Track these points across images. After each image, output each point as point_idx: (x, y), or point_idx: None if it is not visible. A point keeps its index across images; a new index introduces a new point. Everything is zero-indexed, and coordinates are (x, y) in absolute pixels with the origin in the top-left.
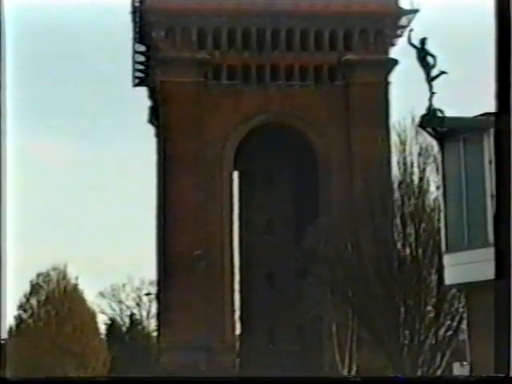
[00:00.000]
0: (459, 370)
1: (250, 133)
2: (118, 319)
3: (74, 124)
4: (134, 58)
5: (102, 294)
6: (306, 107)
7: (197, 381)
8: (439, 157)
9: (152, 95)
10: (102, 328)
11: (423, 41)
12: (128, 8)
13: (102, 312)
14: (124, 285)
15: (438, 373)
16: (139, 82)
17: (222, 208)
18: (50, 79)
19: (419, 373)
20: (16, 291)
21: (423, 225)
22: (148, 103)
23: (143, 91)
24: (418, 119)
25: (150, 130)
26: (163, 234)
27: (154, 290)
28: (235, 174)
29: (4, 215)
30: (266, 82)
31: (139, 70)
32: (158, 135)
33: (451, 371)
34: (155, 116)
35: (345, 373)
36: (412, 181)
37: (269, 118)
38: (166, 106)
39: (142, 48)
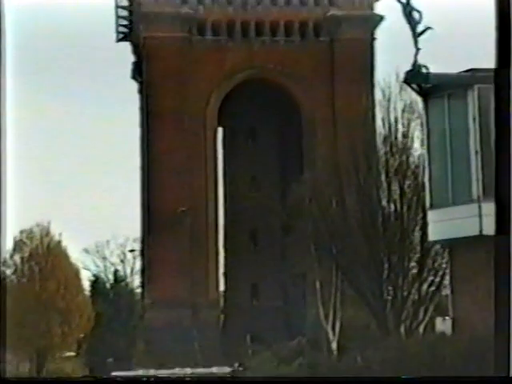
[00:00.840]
0: (442, 324)
1: (234, 89)
2: (102, 276)
3: (56, 80)
4: (117, 12)
5: (85, 251)
6: (290, 63)
7: (197, 381)
8: (424, 113)
9: (135, 50)
10: (86, 284)
11: None
12: None
13: (86, 268)
14: (108, 241)
15: (421, 328)
16: (123, 37)
17: (205, 165)
18: (30, 32)
19: (402, 328)
20: None
21: (407, 181)
22: (132, 58)
23: (127, 46)
24: (402, 75)
25: (134, 86)
26: (147, 190)
27: (138, 246)
28: (219, 131)
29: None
30: (251, 37)
31: (122, 25)
32: (141, 91)
33: (434, 326)
34: (138, 72)
35: (328, 328)
36: (396, 137)
37: (253, 74)
38: (150, 62)
39: (125, 2)
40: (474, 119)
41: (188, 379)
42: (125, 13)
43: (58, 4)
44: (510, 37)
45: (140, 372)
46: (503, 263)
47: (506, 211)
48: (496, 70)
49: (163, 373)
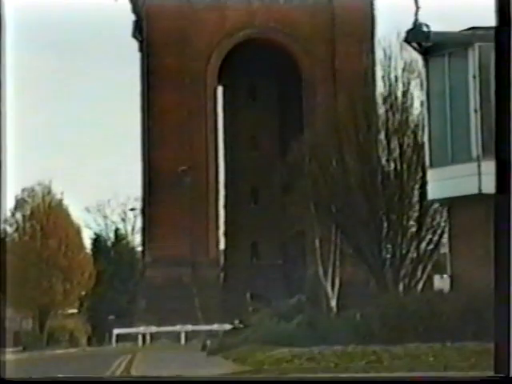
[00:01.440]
0: (440, 282)
1: (234, 48)
2: (104, 234)
3: (56, 39)
4: None
5: (87, 210)
6: (290, 22)
7: (197, 381)
8: (424, 72)
9: (135, 9)
10: (88, 243)
11: None
12: None
13: (88, 227)
14: (109, 200)
15: (419, 285)
16: None
17: (206, 124)
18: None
19: (401, 286)
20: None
21: (407, 140)
22: (132, 17)
23: (127, 5)
24: (403, 34)
25: (134, 45)
26: (148, 149)
27: (139, 205)
28: (219, 90)
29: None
30: None
31: None
32: (141, 50)
33: (432, 284)
34: (139, 30)
35: (328, 286)
36: (396, 96)
37: (253, 33)
38: (150, 21)
39: None
40: (475, 77)
41: (188, 379)
42: None
43: None
44: None
45: (141, 329)
46: (503, 222)
47: (506, 170)
48: (496, 28)
49: (164, 329)
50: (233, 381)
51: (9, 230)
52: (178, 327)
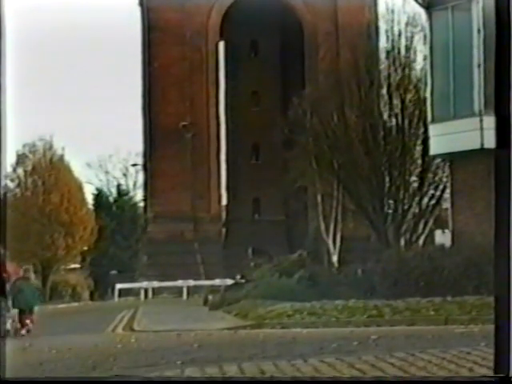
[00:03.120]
0: (441, 237)
1: (235, 2)
2: (105, 190)
3: None
4: None
5: (88, 165)
6: None
7: (198, 381)
8: (427, 26)
9: None
10: (89, 198)
11: None
12: None
13: (89, 182)
14: (110, 156)
15: (421, 240)
16: None
17: (207, 79)
18: None
19: (402, 241)
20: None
21: (409, 95)
22: None
23: None
24: None
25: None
26: (148, 105)
27: (140, 161)
28: (221, 44)
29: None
30: None
31: None
32: (141, 4)
33: (433, 239)
34: None
35: (329, 241)
36: (399, 51)
37: None
38: None
39: None
40: (479, 31)
41: (189, 379)
42: None
43: None
44: None
45: (144, 284)
46: (503, 177)
47: (506, 124)
48: None
49: (166, 284)
50: (233, 381)
51: (10, 185)
52: (179, 282)
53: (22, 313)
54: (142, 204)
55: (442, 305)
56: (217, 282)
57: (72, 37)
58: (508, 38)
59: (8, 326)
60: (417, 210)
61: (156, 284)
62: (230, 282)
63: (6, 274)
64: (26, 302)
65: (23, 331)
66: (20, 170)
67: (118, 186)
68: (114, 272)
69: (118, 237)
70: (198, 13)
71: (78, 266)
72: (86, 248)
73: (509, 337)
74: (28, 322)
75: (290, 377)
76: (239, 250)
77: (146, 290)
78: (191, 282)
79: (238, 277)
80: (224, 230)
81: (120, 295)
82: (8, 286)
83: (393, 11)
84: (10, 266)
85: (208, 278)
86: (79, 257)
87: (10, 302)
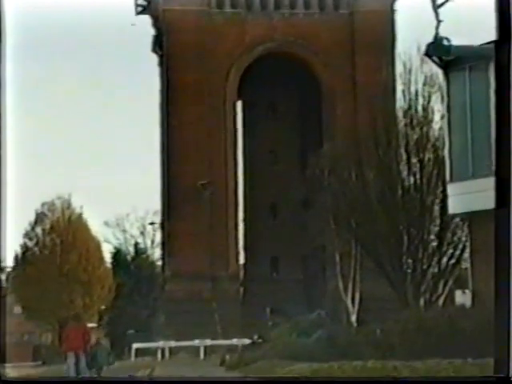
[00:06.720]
0: (461, 297)
1: (254, 62)
2: (123, 248)
3: (76, 52)
4: None
5: (106, 224)
6: (310, 36)
7: (198, 381)
8: (444, 86)
9: (155, 24)
10: (107, 257)
11: None
12: None
13: (107, 241)
14: (128, 214)
15: (441, 300)
16: (142, 10)
17: (225, 138)
18: (49, 10)
19: (422, 301)
20: (21, 220)
21: (427, 154)
22: (152, 32)
23: (147, 19)
24: (423, 48)
25: (154, 59)
26: (167, 163)
27: (158, 219)
28: (239, 104)
29: (4, 146)
30: (270, 10)
31: None
32: (161, 64)
33: (453, 299)
34: (159, 45)
35: (348, 301)
36: (417, 110)
37: (273, 47)
38: (169, 35)
39: None
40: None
41: (190, 379)
42: None
43: None
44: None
45: (160, 343)
46: (503, 236)
47: (506, 185)
48: (496, 43)
49: (183, 344)
50: (233, 381)
51: (29, 243)
52: (196, 342)
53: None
54: (159, 262)
55: (462, 367)
56: (234, 341)
57: (90, 95)
58: (508, 103)
59: None
60: (436, 270)
61: (173, 344)
62: (247, 341)
63: (88, 337)
64: (100, 363)
65: None
66: (39, 229)
67: (136, 244)
68: (131, 331)
69: (135, 295)
70: (216, 73)
71: (95, 325)
72: (103, 307)
73: (509, 337)
74: None
75: (290, 377)
76: (257, 309)
77: (162, 350)
78: (208, 342)
79: (256, 337)
80: (242, 288)
81: (137, 355)
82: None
83: (410, 71)
84: (82, 328)
85: (225, 337)
86: (97, 316)
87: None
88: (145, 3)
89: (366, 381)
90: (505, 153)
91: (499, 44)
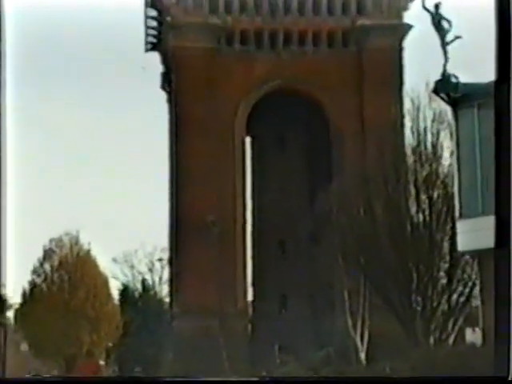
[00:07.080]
0: (471, 335)
1: (262, 98)
2: (131, 285)
3: (84, 88)
4: (146, 23)
5: (114, 260)
6: (318, 73)
7: (198, 381)
8: (453, 123)
9: (164, 61)
10: (115, 293)
11: (437, 5)
12: None
13: (115, 277)
14: (136, 250)
15: (451, 338)
16: (152, 48)
17: (234, 174)
18: (58, 45)
19: (431, 339)
20: (29, 256)
21: (437, 191)
22: (161, 69)
23: (156, 56)
24: (432, 85)
25: (163, 96)
26: (175, 199)
27: (166, 255)
28: (247, 140)
29: (4, 185)
30: (279, 47)
31: (151, 35)
32: (170, 101)
33: (463, 337)
34: (168, 82)
35: (357, 338)
36: (426, 147)
37: (282, 84)
38: (179, 72)
39: (154, 13)
40: None
41: (189, 379)
42: (154, 23)
43: (88, 14)
44: (510, 49)
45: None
46: (503, 275)
47: (505, 225)
48: (496, 84)
49: (191, 380)
50: (233, 381)
51: (37, 280)
52: (204, 379)
53: None
54: (167, 299)
55: None
56: (242, 379)
57: (101, 132)
58: (507, 143)
59: None
60: (446, 307)
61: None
62: (255, 378)
63: (99, 373)
64: None
65: None
66: (47, 265)
67: (144, 281)
68: (138, 368)
69: (143, 332)
70: (225, 108)
71: (102, 362)
72: (111, 344)
73: (509, 337)
74: None
75: (290, 377)
76: (265, 346)
77: None
78: (216, 379)
79: (264, 373)
80: (250, 325)
81: None
82: None
83: (418, 108)
84: (94, 364)
85: (234, 374)
86: (104, 353)
87: None
88: (154, 40)
89: (366, 381)
90: (504, 193)
91: (498, 84)
